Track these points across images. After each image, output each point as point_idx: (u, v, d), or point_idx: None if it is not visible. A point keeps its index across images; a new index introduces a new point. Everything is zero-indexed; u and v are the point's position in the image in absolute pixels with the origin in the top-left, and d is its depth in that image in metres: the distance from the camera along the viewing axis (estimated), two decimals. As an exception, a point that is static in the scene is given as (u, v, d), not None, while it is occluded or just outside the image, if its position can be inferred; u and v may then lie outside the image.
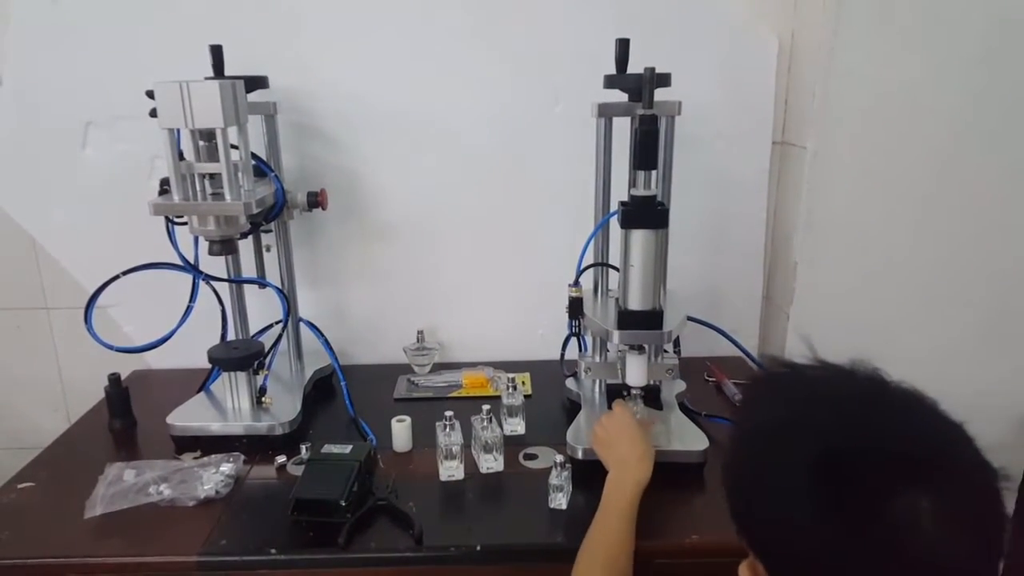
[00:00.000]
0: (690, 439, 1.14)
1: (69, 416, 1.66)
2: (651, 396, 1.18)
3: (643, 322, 1.08)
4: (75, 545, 1.00)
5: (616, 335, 1.09)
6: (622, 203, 1.08)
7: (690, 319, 1.17)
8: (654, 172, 1.05)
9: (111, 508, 1.06)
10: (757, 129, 1.46)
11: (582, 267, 1.22)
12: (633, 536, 0.92)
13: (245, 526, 1.04)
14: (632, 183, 1.19)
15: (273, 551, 0.98)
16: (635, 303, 1.08)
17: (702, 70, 1.39)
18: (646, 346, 1.13)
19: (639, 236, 1.05)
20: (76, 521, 1.04)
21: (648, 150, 1.03)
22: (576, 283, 1.21)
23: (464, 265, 1.54)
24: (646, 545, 0.97)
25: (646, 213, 1.05)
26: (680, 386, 1.31)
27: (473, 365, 1.53)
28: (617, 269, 1.23)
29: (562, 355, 1.42)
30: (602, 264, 1.24)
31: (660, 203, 1.05)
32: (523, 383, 1.45)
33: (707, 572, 0.97)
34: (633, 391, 1.14)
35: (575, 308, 1.19)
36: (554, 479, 1.05)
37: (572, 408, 1.34)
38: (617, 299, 1.15)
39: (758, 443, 0.63)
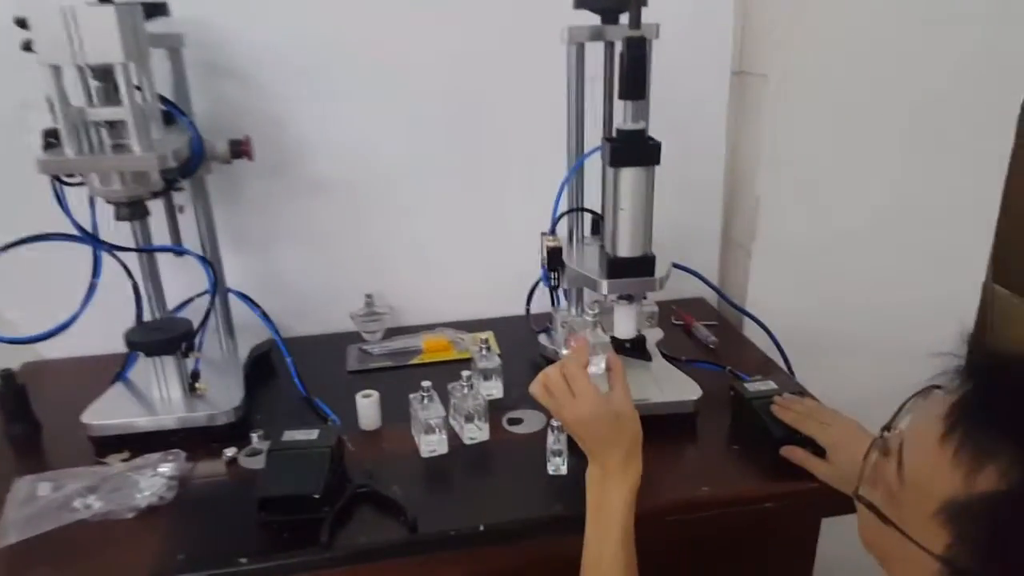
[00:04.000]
0: (681, 388, 1.08)
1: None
2: (638, 347, 1.11)
3: (634, 270, 1.00)
4: (-11, 585, 0.82)
5: (605, 285, 1.00)
6: (608, 139, 0.98)
7: (675, 266, 1.10)
8: (642, 102, 0.96)
9: (29, 533, 0.88)
10: (714, 58, 1.39)
11: (558, 214, 1.12)
12: (634, 547, 0.82)
13: (203, 534, 0.89)
14: (606, 119, 1.11)
15: (244, 560, 0.84)
16: (625, 250, 0.99)
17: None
18: (635, 295, 1.05)
19: (629, 176, 0.96)
20: (-15, 555, 0.85)
21: (637, 77, 0.94)
22: (552, 232, 1.11)
23: (413, 220, 1.39)
24: (654, 504, 0.91)
25: (636, 149, 0.95)
26: (658, 334, 1.25)
27: (430, 327, 1.41)
28: (596, 213, 1.14)
29: (527, 310, 1.33)
30: (580, 209, 1.14)
31: (650, 137, 0.96)
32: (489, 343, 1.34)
33: (724, 524, 0.94)
34: (590, 314, 1.05)
35: (554, 259, 1.09)
36: (552, 444, 0.97)
37: (546, 365, 1.25)
38: (602, 246, 1.06)
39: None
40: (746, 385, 1.05)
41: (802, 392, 1.03)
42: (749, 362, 1.25)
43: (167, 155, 0.97)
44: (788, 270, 1.42)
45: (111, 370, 1.19)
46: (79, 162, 0.96)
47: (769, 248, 1.41)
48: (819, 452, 0.92)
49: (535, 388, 0.87)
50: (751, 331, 1.36)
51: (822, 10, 1.26)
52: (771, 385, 1.04)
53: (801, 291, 1.43)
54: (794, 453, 0.93)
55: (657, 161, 0.95)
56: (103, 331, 1.09)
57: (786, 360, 1.26)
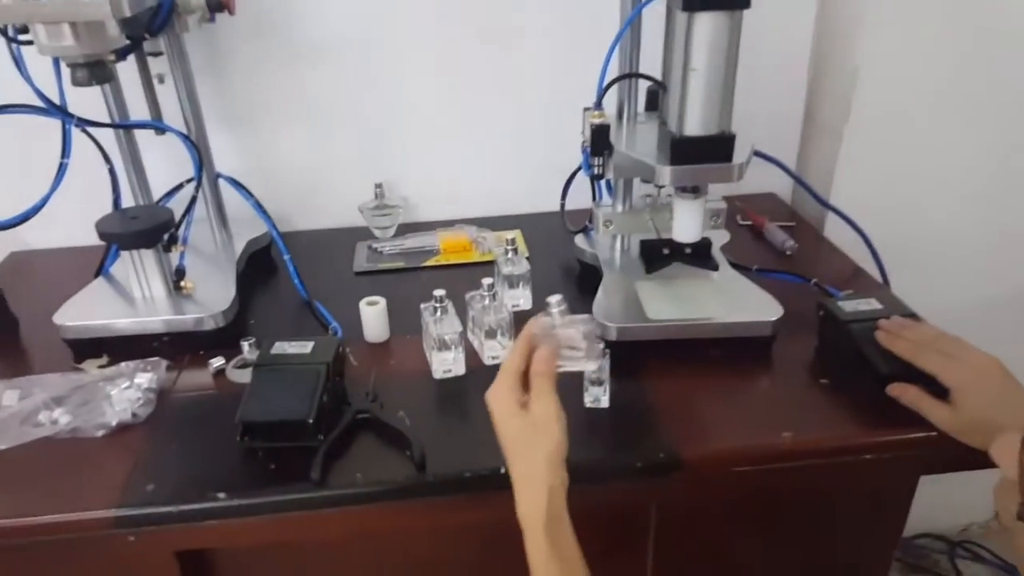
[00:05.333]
0: (757, 306, 0.89)
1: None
2: (701, 253, 0.91)
3: (706, 153, 0.78)
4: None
5: (667, 173, 0.79)
6: (681, -24, 0.74)
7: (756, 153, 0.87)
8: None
9: (-15, 450, 0.77)
10: None
11: (606, 82, 0.89)
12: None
13: (177, 462, 0.76)
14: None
15: (222, 495, 0.71)
16: (695, 126, 0.78)
17: None
18: (701, 187, 0.84)
19: (708, 24, 0.73)
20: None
21: None
22: (598, 105, 0.89)
23: (429, 95, 1.18)
24: (719, 451, 0.74)
25: (718, -12, 0.71)
26: (723, 236, 1.04)
27: (448, 224, 1.22)
28: (656, 81, 0.91)
29: (562, 205, 1.13)
30: (635, 75, 0.91)
31: (737, -27, 0.72)
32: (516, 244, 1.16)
33: (805, 477, 0.77)
34: (554, 307, 0.74)
35: (599, 140, 0.87)
36: (591, 370, 0.79)
37: (584, 272, 1.07)
38: (663, 123, 0.84)
39: None
40: (840, 304, 0.84)
41: (913, 315, 0.82)
42: (835, 272, 1.04)
43: (121, 0, 0.78)
44: (885, 160, 1.18)
45: (98, 262, 1.05)
46: (15, 8, 0.78)
47: (865, 131, 1.16)
48: (937, 393, 0.73)
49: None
50: (836, 233, 1.15)
51: None
52: (873, 304, 0.83)
53: (900, 187, 1.19)
54: (906, 392, 0.73)
55: (747, 4, 0.72)
56: (91, 220, 0.94)
57: (882, 271, 1.05)
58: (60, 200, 0.94)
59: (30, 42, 0.84)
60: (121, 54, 0.88)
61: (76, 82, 0.85)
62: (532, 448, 0.65)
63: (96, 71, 0.84)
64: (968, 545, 1.62)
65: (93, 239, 0.94)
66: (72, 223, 1.00)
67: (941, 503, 1.31)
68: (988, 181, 1.21)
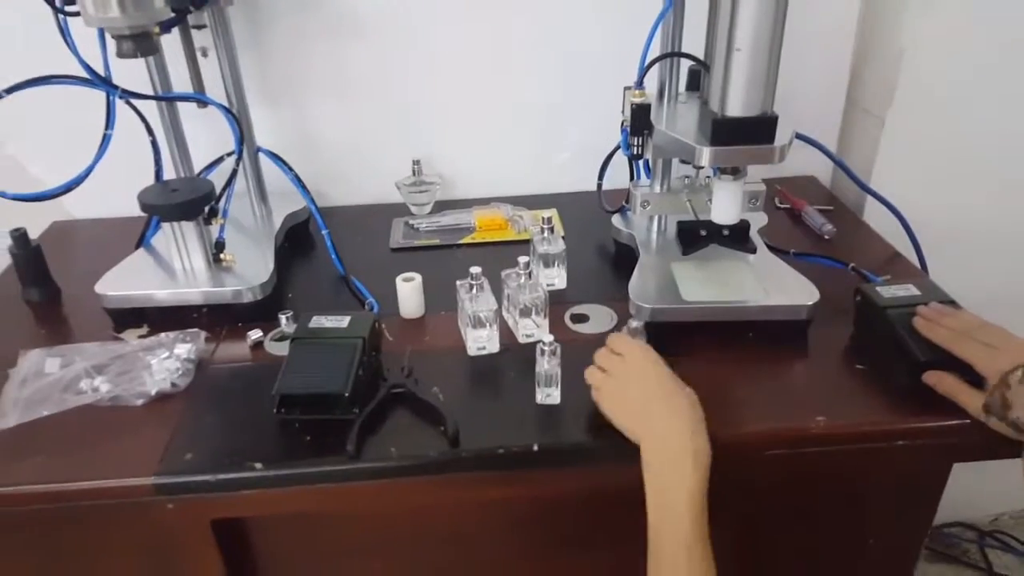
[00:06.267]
0: (794, 289, 0.88)
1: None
2: (739, 236, 0.90)
3: (748, 134, 0.77)
4: (-19, 471, 0.73)
5: (707, 154, 0.78)
6: (728, -47, 0.72)
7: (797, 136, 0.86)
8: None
9: (29, 416, 0.79)
10: None
11: (647, 61, 0.88)
12: (710, 550, 0.64)
13: (215, 432, 0.78)
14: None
15: (258, 465, 0.72)
16: (738, 107, 0.76)
17: None
18: (741, 169, 0.83)
19: (753, 3, 0.71)
20: (-17, 436, 0.76)
21: None
22: (640, 84, 0.88)
23: (468, 72, 1.18)
24: (753, 434, 0.74)
25: (766, -35, 0.70)
26: (761, 219, 1.02)
27: (484, 202, 1.22)
28: (698, 61, 0.90)
29: (599, 185, 1.12)
30: (678, 54, 0.90)
31: (785, -51, 0.70)
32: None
33: (838, 462, 0.76)
34: (632, 323, 0.82)
35: (640, 119, 0.86)
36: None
37: (619, 253, 1.06)
38: (705, 103, 0.83)
39: None
40: (878, 289, 0.83)
41: (953, 303, 0.81)
42: (873, 257, 1.02)
43: (167, -28, 0.79)
44: (928, 145, 1.15)
45: (139, 232, 1.07)
46: (62, -20, 0.79)
47: (908, 115, 1.13)
48: (973, 382, 0.71)
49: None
50: (874, 218, 1.12)
51: None
52: (911, 291, 0.82)
53: (942, 172, 1.16)
54: (943, 381, 0.72)
55: (796, -18, 0.70)
56: (134, 191, 0.96)
57: (921, 257, 1.03)
58: (102, 171, 0.95)
59: (77, 13, 0.85)
60: (166, 26, 0.88)
61: (121, 54, 0.86)
62: (683, 426, 0.67)
63: (141, 43, 0.85)
64: (999, 535, 1.60)
65: (133, 210, 0.96)
66: (113, 193, 1.00)
67: (973, 492, 1.30)
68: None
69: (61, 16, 0.89)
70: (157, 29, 0.87)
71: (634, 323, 0.82)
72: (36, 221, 1.15)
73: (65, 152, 0.97)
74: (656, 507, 0.66)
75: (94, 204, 1.21)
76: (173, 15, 0.88)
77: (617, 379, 0.73)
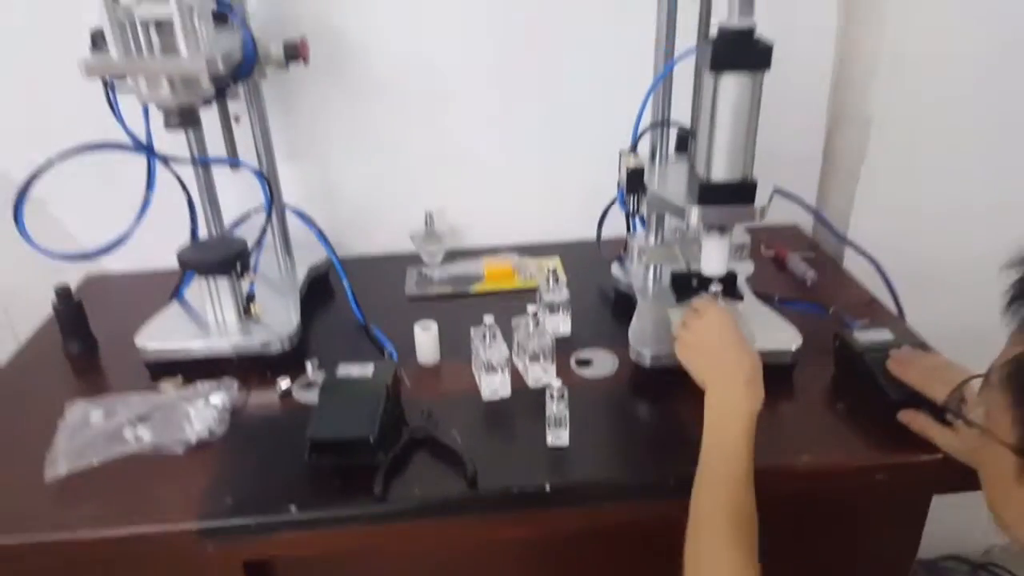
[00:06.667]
0: (779, 335, 0.96)
1: (15, 331, 1.41)
2: (728, 285, 0.98)
3: (731, 196, 0.86)
4: (36, 518, 0.79)
5: (695, 213, 0.87)
6: (711, 40, 0.81)
7: (778, 192, 0.95)
8: (753, -5, 0.78)
9: (78, 464, 0.85)
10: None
11: (640, 129, 0.97)
12: (752, 483, 0.73)
13: (252, 477, 0.84)
14: (703, 16, 0.94)
15: (293, 508, 0.79)
16: (720, 172, 0.85)
17: None
18: (727, 225, 0.91)
19: (732, 83, 0.80)
20: (34, 484, 0.83)
21: (750, -37, 0.76)
22: (633, 149, 0.97)
23: (475, 131, 1.27)
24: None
25: (743, 51, 0.79)
26: (748, 268, 1.10)
27: (491, 251, 1.31)
28: (685, 129, 0.99)
29: (599, 235, 1.20)
30: (667, 123, 0.99)
31: (760, 38, 0.79)
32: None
33: (825, 495, 0.83)
34: (713, 286, 0.93)
35: (634, 181, 0.95)
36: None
37: (618, 300, 1.14)
38: (692, 167, 0.92)
39: None
40: (856, 334, 0.91)
41: (923, 345, 0.89)
42: (852, 302, 1.11)
43: (216, 58, 0.88)
44: (900, 198, 1.24)
45: (171, 286, 1.14)
46: (125, 64, 0.89)
47: (880, 172, 1.22)
48: (944, 419, 0.79)
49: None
50: (854, 263, 1.21)
51: None
52: (886, 335, 0.90)
53: (913, 222, 1.25)
54: (915, 419, 0.80)
55: (767, 65, 0.79)
56: (164, 245, 1.04)
57: (897, 301, 1.11)
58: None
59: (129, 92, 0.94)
60: (207, 101, 0.97)
61: (169, 126, 0.94)
62: (745, 364, 0.79)
63: (187, 117, 0.94)
64: (991, 567, 1.65)
65: (162, 263, 1.03)
66: (143, 248, 1.06)
67: (964, 525, 1.35)
68: (999, 215, 1.26)
69: (112, 92, 0.97)
70: (200, 103, 0.96)
71: (714, 287, 0.93)
72: (68, 275, 1.21)
73: (98, 211, 1.05)
74: (712, 431, 0.77)
75: (126, 258, 1.28)
76: (215, 90, 0.97)
77: (694, 334, 0.85)
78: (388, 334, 1.07)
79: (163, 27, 0.90)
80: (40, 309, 1.19)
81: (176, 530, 0.78)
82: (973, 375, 0.60)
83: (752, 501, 0.72)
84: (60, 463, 0.85)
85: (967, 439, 0.75)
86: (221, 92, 0.99)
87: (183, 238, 1.08)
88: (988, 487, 0.58)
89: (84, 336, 1.10)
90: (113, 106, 0.98)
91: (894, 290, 1.12)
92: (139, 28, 0.89)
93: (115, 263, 1.33)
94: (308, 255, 1.22)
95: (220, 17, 0.98)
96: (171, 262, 1.10)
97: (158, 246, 1.03)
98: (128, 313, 1.10)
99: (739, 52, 0.79)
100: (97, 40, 0.91)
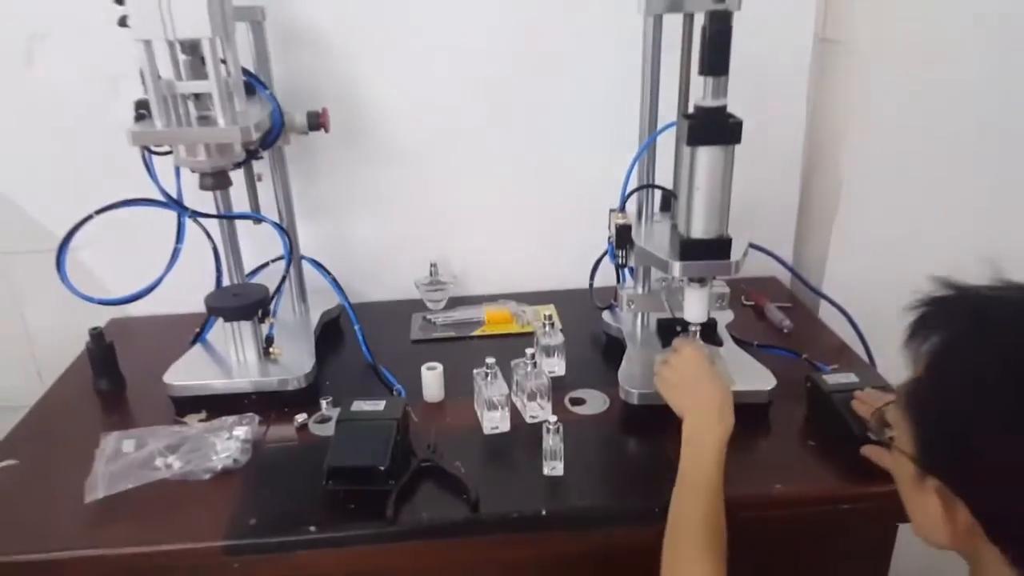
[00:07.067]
0: (755, 377, 1.05)
1: (41, 372, 1.49)
2: (708, 331, 1.07)
3: (709, 252, 0.96)
4: (79, 536, 0.87)
5: (677, 267, 0.97)
6: (687, 116, 0.93)
7: (752, 247, 1.05)
8: (723, 78, 0.90)
9: (115, 488, 0.93)
10: (798, 24, 1.31)
11: (628, 190, 1.08)
12: (723, 498, 0.82)
13: (273, 500, 0.92)
14: (683, 93, 1.06)
15: (312, 529, 0.87)
16: (699, 231, 0.96)
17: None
18: (707, 278, 1.01)
19: (707, 154, 0.91)
20: (75, 506, 0.91)
21: (719, 53, 0.88)
22: (622, 208, 1.08)
23: (480, 186, 1.39)
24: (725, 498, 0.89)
25: (716, 127, 0.90)
26: (728, 316, 1.21)
27: (491, 299, 1.41)
28: (668, 191, 1.10)
29: (591, 285, 1.30)
30: (651, 186, 1.10)
31: (731, 115, 0.91)
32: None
33: (797, 524, 0.92)
34: (691, 327, 1.03)
35: (623, 237, 1.06)
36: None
37: (609, 344, 1.24)
38: (675, 225, 1.02)
39: (953, 366, 0.59)
40: (825, 377, 1.01)
41: (885, 387, 0.98)
42: (826, 349, 1.20)
43: (250, 128, 0.99)
44: (871, 252, 1.35)
45: (190, 330, 1.24)
46: (168, 134, 1.00)
47: (851, 227, 1.33)
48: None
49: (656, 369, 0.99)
50: (828, 314, 1.31)
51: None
52: (852, 378, 0.99)
53: (884, 274, 1.35)
54: (875, 453, 0.88)
55: (738, 140, 0.90)
56: (183, 292, 1.13)
57: (867, 348, 1.21)
58: (157, 274, 1.12)
59: (165, 153, 1.05)
60: (238, 164, 1.08)
61: (203, 187, 1.05)
62: (717, 395, 0.89)
63: (219, 179, 1.05)
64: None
65: (181, 308, 1.11)
66: (164, 294, 1.14)
67: (936, 555, 1.42)
68: (966, 265, 1.37)
69: (149, 156, 1.08)
70: (232, 166, 1.07)
71: (692, 328, 1.02)
72: (93, 319, 1.29)
73: (125, 257, 1.15)
74: (688, 453, 0.86)
75: (145, 302, 1.37)
76: (246, 155, 1.08)
77: (673, 370, 0.95)
78: (395, 374, 1.16)
79: (200, 98, 1.02)
80: (65, 349, 1.28)
81: (204, 547, 0.86)
82: (890, 400, 0.68)
83: (722, 512, 0.81)
84: (99, 487, 0.92)
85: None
86: (252, 156, 1.10)
87: (198, 285, 1.16)
88: (901, 495, 0.66)
89: (113, 374, 1.19)
90: (149, 168, 1.07)
91: (864, 338, 1.22)
92: (179, 100, 0.99)
93: (135, 308, 1.42)
94: (321, 301, 1.31)
95: (250, 88, 1.10)
96: (188, 306, 1.21)
97: (176, 292, 1.13)
98: (151, 354, 1.19)
99: (712, 128, 0.90)
100: (140, 111, 1.02)
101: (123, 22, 0.93)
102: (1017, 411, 0.53)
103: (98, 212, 1.09)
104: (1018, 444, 0.53)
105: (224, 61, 0.99)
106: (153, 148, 1.06)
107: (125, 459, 0.98)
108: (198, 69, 1.00)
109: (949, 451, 0.58)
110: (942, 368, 0.59)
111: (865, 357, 1.21)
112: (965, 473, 0.57)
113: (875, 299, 1.26)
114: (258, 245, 1.29)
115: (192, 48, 0.99)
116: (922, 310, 0.62)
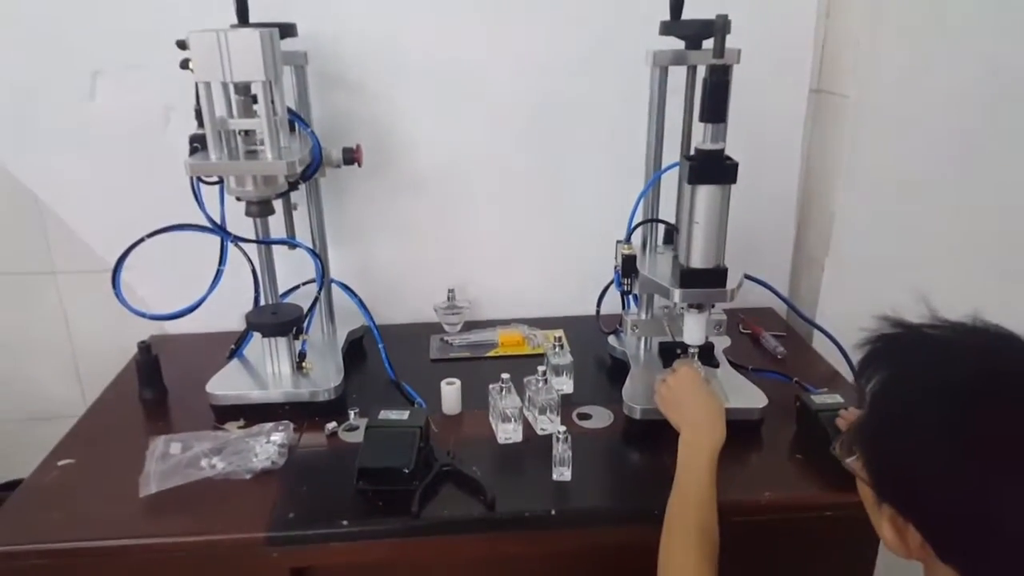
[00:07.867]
0: (748, 396, 1.14)
1: (82, 384, 1.60)
2: (706, 353, 1.17)
3: (706, 281, 1.06)
4: (135, 525, 0.97)
5: (678, 294, 1.07)
6: (688, 157, 1.04)
7: (747, 277, 1.16)
8: (722, 124, 1.02)
9: (165, 485, 1.02)
10: (793, 76, 1.43)
11: (633, 224, 1.19)
12: (715, 503, 0.91)
13: (309, 498, 1.01)
14: (685, 136, 1.17)
15: (345, 522, 0.96)
16: (698, 261, 1.06)
17: (738, 13, 1.34)
18: (705, 304, 1.11)
19: (705, 192, 1.02)
20: (130, 500, 1.00)
21: (718, 102, 1.00)
22: (628, 240, 1.19)
23: (495, 218, 1.50)
24: (718, 504, 0.98)
25: (714, 168, 1.01)
26: (725, 341, 1.30)
27: (504, 323, 1.51)
28: (670, 224, 1.21)
29: (598, 311, 1.41)
30: (656, 220, 1.21)
31: (728, 157, 1.02)
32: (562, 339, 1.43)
33: (784, 528, 1.00)
34: (690, 349, 1.13)
35: (628, 266, 1.16)
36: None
37: (615, 365, 1.34)
38: (676, 256, 1.13)
39: (888, 406, 0.65)
40: (812, 397, 1.10)
41: (867, 407, 1.07)
42: (817, 375, 1.30)
43: (295, 162, 1.10)
44: (861, 286, 1.44)
45: (224, 346, 1.34)
46: (221, 166, 1.10)
47: (843, 263, 1.43)
48: None
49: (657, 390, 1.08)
50: (820, 344, 1.40)
51: (903, 29, 1.28)
52: (837, 399, 1.09)
53: (874, 308, 1.45)
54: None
55: (734, 180, 1.01)
56: (218, 311, 1.23)
57: (856, 375, 1.29)
58: (195, 294, 1.20)
59: (214, 183, 1.16)
60: (279, 194, 1.19)
61: (249, 214, 1.16)
62: (711, 410, 0.99)
63: (264, 207, 1.16)
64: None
65: (215, 326, 1.22)
66: (196, 313, 1.23)
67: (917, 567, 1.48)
68: (954, 300, 1.46)
69: (198, 185, 1.19)
70: (275, 196, 1.18)
71: (691, 350, 1.12)
72: (135, 334, 1.39)
73: (166, 277, 1.25)
74: (683, 462, 0.95)
75: (180, 321, 1.47)
76: (287, 186, 1.19)
77: (670, 388, 1.04)
78: (415, 389, 1.25)
79: (249, 134, 1.13)
80: (107, 363, 1.39)
81: (248, 538, 0.95)
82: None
83: (714, 517, 0.89)
84: (151, 483, 1.02)
85: None
86: (293, 187, 1.22)
87: (231, 305, 1.26)
88: (868, 513, 0.73)
89: (158, 385, 1.29)
90: (197, 196, 1.17)
91: (853, 366, 1.30)
92: (231, 136, 1.11)
93: (173, 326, 1.52)
94: (348, 322, 1.42)
95: (291, 125, 1.22)
96: (221, 324, 1.33)
97: (206, 312, 1.22)
98: (190, 367, 1.29)
99: (711, 169, 1.01)
100: (195, 144, 1.13)
101: (185, 65, 1.03)
102: (951, 447, 0.58)
103: (150, 235, 1.19)
104: (953, 480, 0.58)
105: (273, 101, 1.10)
106: (203, 178, 1.17)
107: (173, 459, 1.07)
108: (248, 108, 1.12)
109: (894, 483, 0.64)
110: (880, 408, 0.66)
111: (854, 384, 1.29)
112: (910, 503, 0.63)
113: (868, 329, 1.36)
114: (290, 268, 1.39)
115: (245, 89, 1.11)
116: (867, 348, 0.69)
